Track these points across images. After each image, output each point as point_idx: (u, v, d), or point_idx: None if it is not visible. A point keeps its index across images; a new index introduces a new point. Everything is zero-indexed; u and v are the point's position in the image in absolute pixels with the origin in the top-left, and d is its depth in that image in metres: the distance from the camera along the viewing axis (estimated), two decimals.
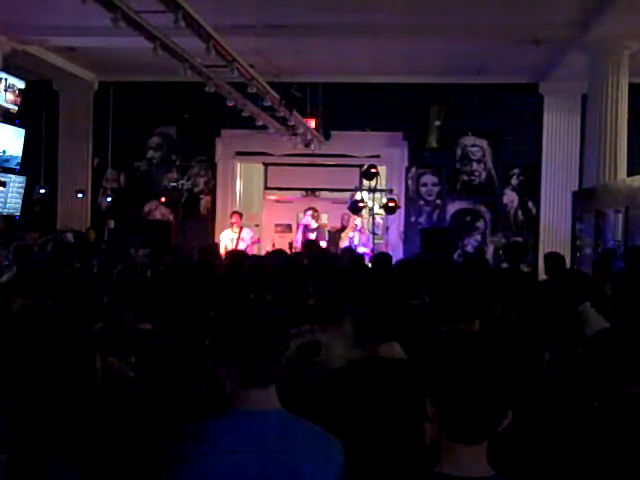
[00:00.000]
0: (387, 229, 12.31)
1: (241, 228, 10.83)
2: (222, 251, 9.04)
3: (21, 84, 10.69)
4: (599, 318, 4.27)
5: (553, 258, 6.35)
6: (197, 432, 1.99)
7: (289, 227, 12.24)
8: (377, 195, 11.30)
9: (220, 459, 1.93)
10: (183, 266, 5.18)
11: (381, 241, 12.20)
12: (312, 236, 10.90)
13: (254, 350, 2.01)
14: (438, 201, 12.47)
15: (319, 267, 4.94)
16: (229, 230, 10.88)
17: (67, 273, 5.51)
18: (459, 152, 12.37)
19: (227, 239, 10.69)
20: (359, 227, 11.23)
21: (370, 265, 6.76)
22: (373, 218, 11.08)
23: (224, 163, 12.91)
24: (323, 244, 10.47)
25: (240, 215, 11.10)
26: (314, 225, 11.31)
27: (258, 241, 11.53)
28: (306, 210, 11.47)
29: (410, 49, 10.42)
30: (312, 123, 11.36)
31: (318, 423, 2.11)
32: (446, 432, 1.78)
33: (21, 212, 11.50)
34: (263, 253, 10.11)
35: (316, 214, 11.44)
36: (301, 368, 3.02)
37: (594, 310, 4.42)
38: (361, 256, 7.69)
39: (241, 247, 10.11)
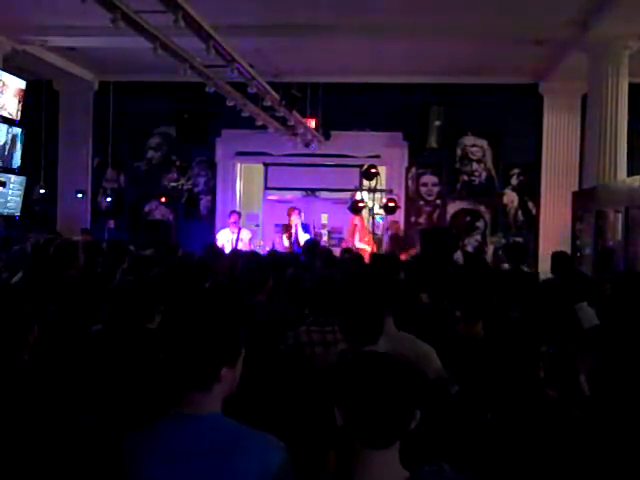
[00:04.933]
0: (387, 229, 12.30)
1: (240, 229, 10.80)
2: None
3: (21, 84, 10.68)
4: (594, 317, 4.28)
5: (559, 257, 6.37)
6: (139, 435, 2.04)
7: (286, 227, 12.19)
8: (377, 195, 11.31)
9: (159, 462, 1.96)
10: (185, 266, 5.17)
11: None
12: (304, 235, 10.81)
13: (193, 354, 2.03)
14: (438, 201, 12.46)
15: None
16: (227, 230, 10.85)
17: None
18: (459, 152, 12.37)
19: (225, 239, 10.66)
20: (359, 227, 11.22)
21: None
22: (373, 218, 11.09)
23: (224, 163, 12.91)
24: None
25: (239, 215, 11.08)
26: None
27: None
28: (293, 210, 11.26)
29: (410, 49, 10.42)
30: (312, 123, 11.36)
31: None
32: (357, 439, 1.79)
33: (21, 212, 11.50)
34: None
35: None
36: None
37: (591, 309, 4.43)
38: (361, 256, 7.70)
39: (240, 248, 10.08)
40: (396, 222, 11.46)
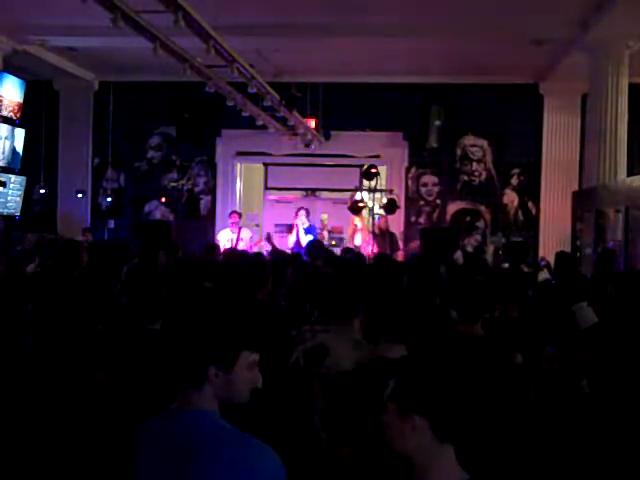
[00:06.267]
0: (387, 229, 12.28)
1: (240, 228, 10.80)
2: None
3: (21, 84, 10.67)
4: (594, 317, 4.27)
5: (563, 257, 6.38)
6: (139, 431, 2.10)
7: (289, 227, 12.28)
8: (377, 195, 11.29)
9: (146, 455, 2.03)
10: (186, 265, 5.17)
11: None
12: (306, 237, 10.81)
13: (176, 352, 2.07)
14: (438, 201, 12.47)
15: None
16: (227, 230, 10.86)
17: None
18: (459, 152, 12.37)
19: (225, 239, 10.67)
20: (360, 227, 11.21)
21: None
22: (373, 218, 11.07)
23: (224, 163, 12.91)
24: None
25: (239, 215, 11.08)
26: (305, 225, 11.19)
27: (259, 243, 11.47)
28: (299, 210, 11.30)
29: (410, 49, 10.42)
30: (312, 123, 11.35)
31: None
32: (438, 436, 1.79)
33: (21, 212, 11.49)
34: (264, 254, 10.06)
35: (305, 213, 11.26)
36: (306, 373, 3.01)
37: (590, 309, 4.43)
38: (364, 256, 7.70)
39: (240, 248, 10.08)
40: (384, 219, 11.22)
